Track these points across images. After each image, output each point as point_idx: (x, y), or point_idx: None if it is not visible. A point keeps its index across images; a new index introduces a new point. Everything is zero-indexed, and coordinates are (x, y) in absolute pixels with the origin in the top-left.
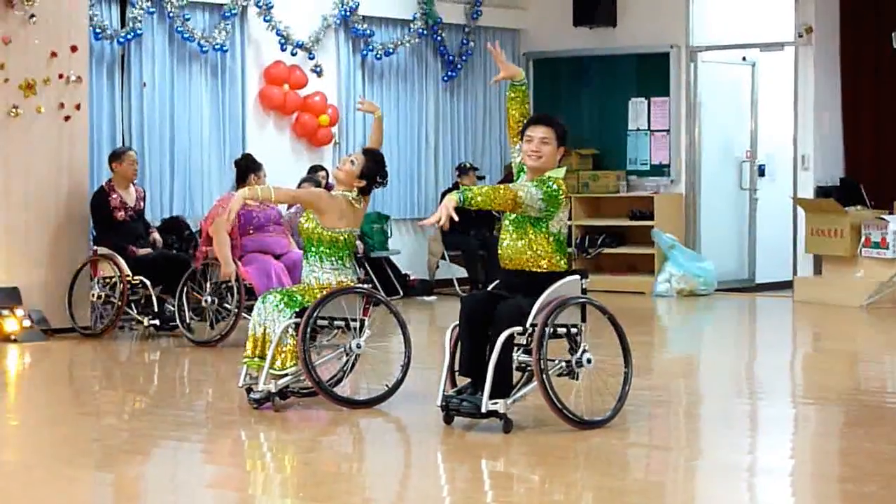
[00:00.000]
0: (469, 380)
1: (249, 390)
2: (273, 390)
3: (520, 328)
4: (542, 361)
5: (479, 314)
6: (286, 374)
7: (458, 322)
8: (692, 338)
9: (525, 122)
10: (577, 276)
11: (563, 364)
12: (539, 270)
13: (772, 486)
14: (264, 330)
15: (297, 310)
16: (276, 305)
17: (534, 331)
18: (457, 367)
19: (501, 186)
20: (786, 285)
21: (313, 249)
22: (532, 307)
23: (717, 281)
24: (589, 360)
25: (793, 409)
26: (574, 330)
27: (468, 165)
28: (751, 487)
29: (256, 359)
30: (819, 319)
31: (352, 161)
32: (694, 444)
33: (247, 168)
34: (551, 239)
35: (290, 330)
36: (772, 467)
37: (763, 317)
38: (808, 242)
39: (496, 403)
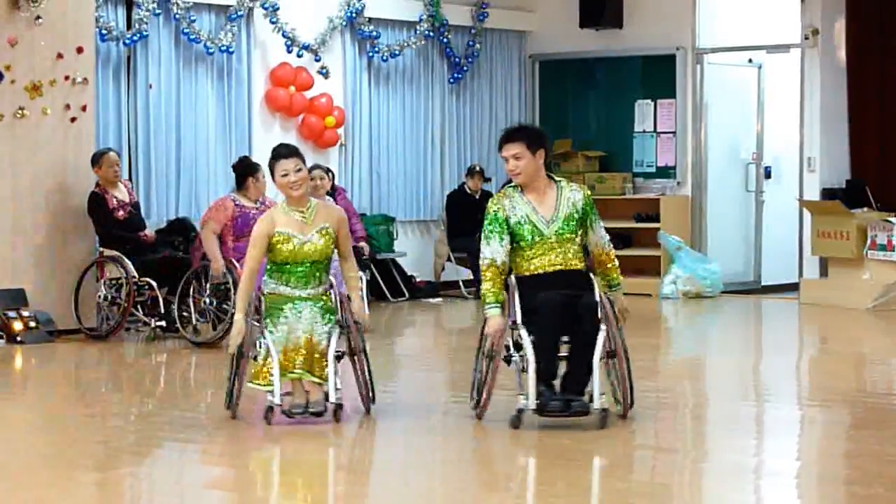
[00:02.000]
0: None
1: (269, 408)
2: (341, 402)
3: (604, 326)
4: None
5: (560, 314)
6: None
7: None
8: (698, 340)
9: (498, 142)
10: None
11: None
12: (578, 268)
13: (778, 488)
14: (311, 337)
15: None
16: (323, 316)
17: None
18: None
19: (612, 255)
20: (792, 287)
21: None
22: (579, 299)
23: (723, 283)
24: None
25: (799, 411)
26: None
27: (476, 167)
28: (757, 490)
29: (297, 371)
30: (825, 322)
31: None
32: (700, 446)
33: (244, 172)
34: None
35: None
36: (778, 469)
37: (769, 319)
38: (814, 245)
39: (603, 399)
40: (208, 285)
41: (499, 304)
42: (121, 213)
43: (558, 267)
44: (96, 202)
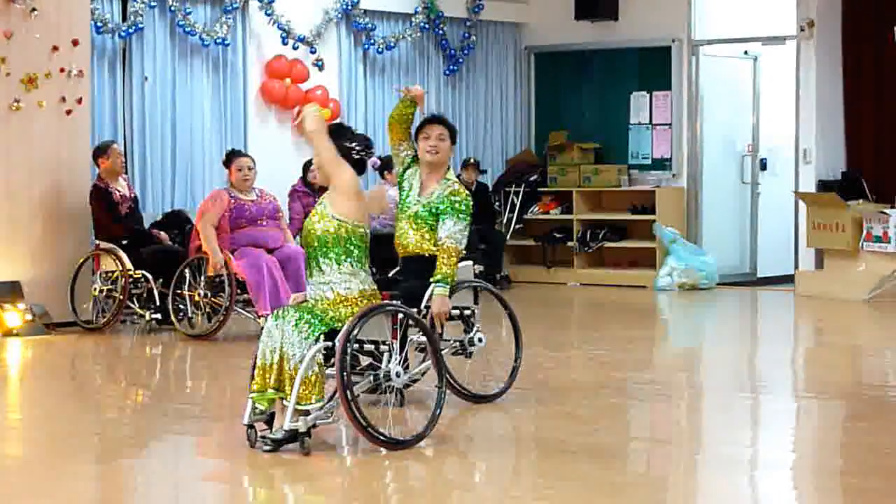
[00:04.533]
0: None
1: (251, 427)
2: (302, 429)
3: (414, 310)
4: (455, 339)
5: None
6: (312, 410)
7: None
8: (693, 332)
9: (420, 122)
10: (470, 262)
11: (457, 343)
12: (432, 254)
13: (773, 479)
14: (281, 356)
15: (325, 331)
16: (297, 326)
17: (428, 312)
18: None
19: (449, 250)
20: (787, 279)
21: (328, 251)
22: (426, 290)
23: (718, 275)
24: (481, 340)
25: (794, 402)
26: (467, 312)
27: (471, 160)
28: (752, 481)
29: (270, 391)
30: (821, 313)
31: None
32: (695, 437)
33: (225, 163)
34: None
35: (319, 356)
36: (773, 461)
37: (765, 311)
38: (810, 236)
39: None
40: (203, 278)
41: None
42: (123, 207)
43: (411, 250)
44: (100, 195)
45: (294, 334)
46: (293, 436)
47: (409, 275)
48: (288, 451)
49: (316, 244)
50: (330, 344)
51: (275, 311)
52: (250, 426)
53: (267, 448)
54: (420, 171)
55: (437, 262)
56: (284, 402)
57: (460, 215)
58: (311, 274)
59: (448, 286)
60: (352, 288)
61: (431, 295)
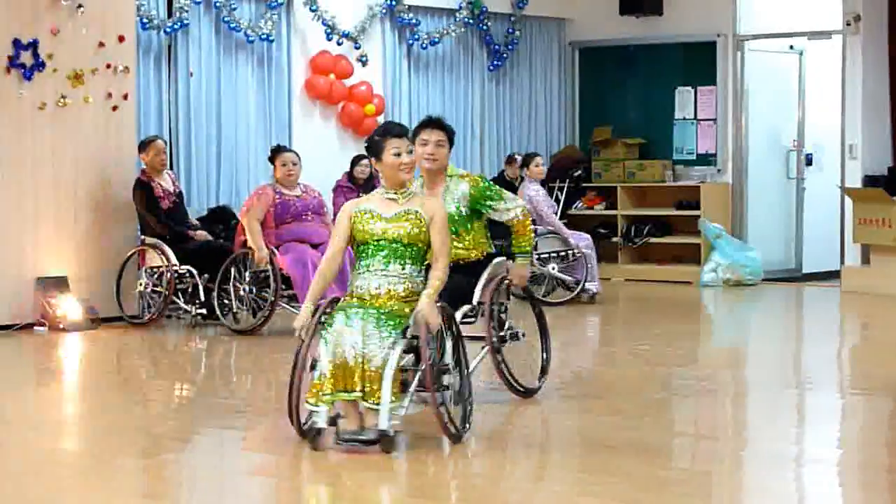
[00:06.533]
0: None
1: (316, 431)
2: (391, 432)
3: (468, 306)
4: (495, 335)
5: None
6: (401, 409)
7: None
8: (739, 328)
9: (417, 125)
10: (503, 258)
11: (496, 339)
12: (474, 259)
13: (819, 476)
14: (363, 357)
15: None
16: (378, 325)
17: (481, 308)
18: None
19: (521, 223)
20: (833, 275)
21: (412, 247)
22: (474, 286)
23: (763, 271)
24: (517, 336)
25: (840, 399)
26: (501, 308)
27: (515, 155)
28: (798, 477)
29: (345, 392)
30: (867, 309)
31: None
32: (741, 433)
33: (270, 158)
34: (484, 229)
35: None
36: (819, 457)
37: (810, 307)
38: (856, 232)
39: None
40: (248, 273)
41: None
42: (165, 202)
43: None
44: (142, 190)
45: (376, 333)
46: (379, 437)
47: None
48: (332, 440)
49: (407, 239)
50: (414, 343)
51: (340, 310)
52: (319, 430)
53: (348, 445)
54: (422, 186)
55: (515, 238)
56: (366, 403)
57: (494, 194)
58: (387, 265)
59: (529, 256)
60: (419, 286)
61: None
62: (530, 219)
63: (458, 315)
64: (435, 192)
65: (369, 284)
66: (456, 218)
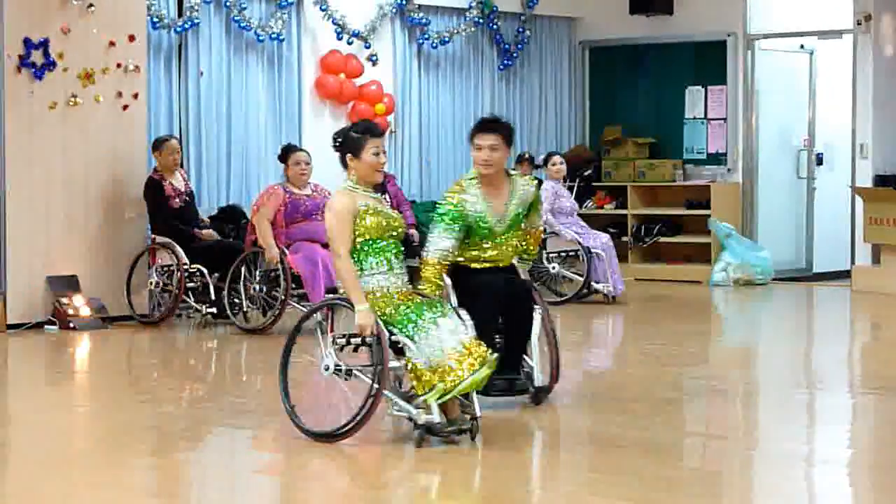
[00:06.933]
0: None
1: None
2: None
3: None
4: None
5: (500, 295)
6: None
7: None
8: (749, 327)
9: (473, 127)
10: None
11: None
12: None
13: (830, 476)
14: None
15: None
16: (448, 310)
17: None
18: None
19: (537, 234)
20: (844, 275)
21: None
22: (504, 283)
23: (774, 270)
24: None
25: (851, 398)
26: None
27: (525, 155)
28: (808, 477)
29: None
30: (877, 309)
31: None
32: (751, 433)
33: (281, 158)
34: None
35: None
36: (830, 457)
37: (821, 306)
38: (867, 231)
39: (540, 375)
40: (258, 272)
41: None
42: (176, 201)
43: (498, 263)
44: (153, 188)
45: (456, 316)
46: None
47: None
48: (343, 444)
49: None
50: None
51: (430, 310)
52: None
53: (447, 440)
54: (479, 185)
55: (528, 245)
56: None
57: (539, 202)
58: (400, 260)
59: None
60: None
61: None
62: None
63: (538, 316)
64: (499, 193)
65: (399, 281)
66: (520, 220)
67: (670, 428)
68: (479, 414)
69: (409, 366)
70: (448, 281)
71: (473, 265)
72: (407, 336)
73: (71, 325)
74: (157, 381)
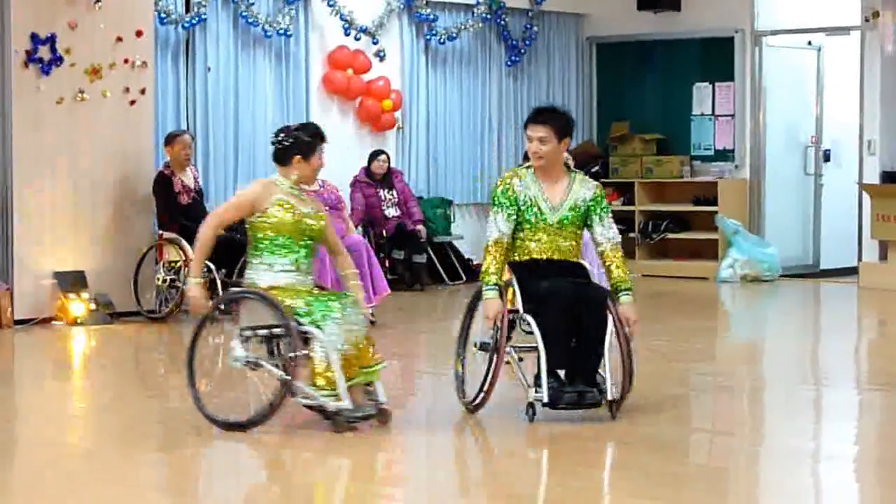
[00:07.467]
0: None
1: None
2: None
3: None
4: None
5: (570, 302)
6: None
7: (534, 311)
8: (756, 324)
9: (528, 115)
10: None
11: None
12: (571, 259)
13: (836, 472)
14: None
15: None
16: (355, 313)
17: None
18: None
19: (618, 253)
20: (851, 271)
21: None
22: (577, 288)
23: (781, 266)
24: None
25: (857, 395)
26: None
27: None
28: (814, 473)
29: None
30: (884, 305)
31: None
32: (757, 429)
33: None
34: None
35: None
36: (836, 453)
37: (827, 303)
38: (874, 228)
39: (615, 389)
40: None
41: (498, 287)
42: (184, 197)
43: (554, 255)
44: (161, 183)
45: (354, 319)
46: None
47: (548, 274)
48: (352, 436)
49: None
50: None
51: (337, 301)
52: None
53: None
54: (532, 176)
55: (612, 268)
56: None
57: (606, 209)
58: (309, 263)
59: (632, 292)
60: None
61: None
62: (621, 252)
63: (611, 324)
64: (555, 186)
65: (307, 279)
66: (572, 219)
67: (677, 424)
68: (382, 401)
69: (311, 356)
70: (516, 287)
71: (523, 256)
72: (315, 325)
73: (78, 320)
74: (163, 377)
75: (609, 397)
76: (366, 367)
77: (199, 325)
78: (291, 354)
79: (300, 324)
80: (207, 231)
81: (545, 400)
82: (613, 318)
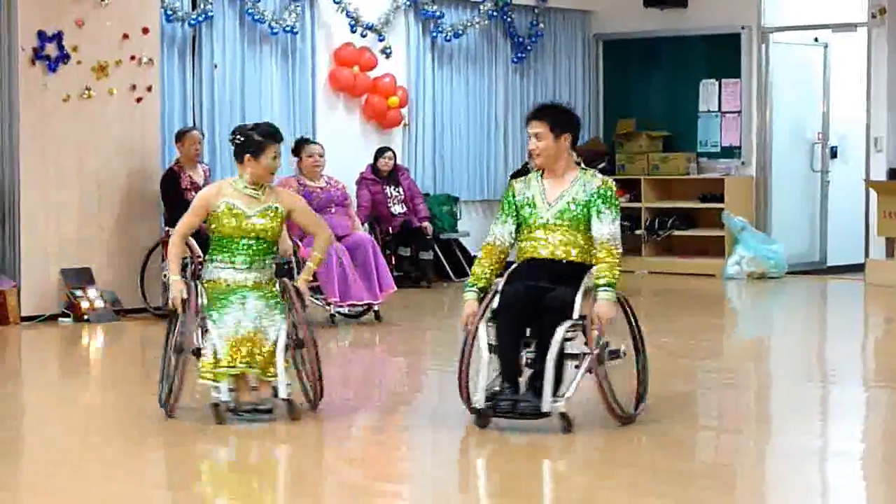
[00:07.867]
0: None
1: (218, 406)
2: (292, 398)
3: (569, 321)
4: (602, 354)
5: (521, 308)
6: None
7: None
8: (762, 321)
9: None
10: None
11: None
12: (575, 260)
13: (842, 469)
14: (255, 331)
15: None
16: (276, 305)
17: (583, 322)
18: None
19: (613, 250)
20: (857, 268)
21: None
22: (573, 297)
23: (787, 264)
24: (618, 353)
25: (864, 392)
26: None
27: None
28: (821, 471)
29: (240, 365)
30: (891, 303)
31: None
32: (764, 427)
33: (294, 151)
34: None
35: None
36: (842, 451)
37: (834, 300)
38: (881, 225)
39: (558, 402)
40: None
41: (476, 287)
42: (191, 194)
43: (553, 253)
44: (170, 179)
45: (275, 311)
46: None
47: (532, 276)
48: (358, 432)
49: (270, 235)
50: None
51: (232, 293)
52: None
53: (247, 419)
54: (538, 177)
55: (602, 267)
56: (261, 376)
57: (611, 203)
58: (252, 260)
59: (613, 290)
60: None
61: (588, 300)
62: (618, 251)
63: (560, 332)
64: (559, 182)
65: (234, 278)
66: (569, 215)
67: (683, 421)
68: (283, 396)
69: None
70: (499, 291)
71: (532, 255)
72: (210, 317)
73: (84, 317)
74: None
75: (545, 409)
76: (266, 374)
77: (170, 321)
78: (192, 349)
79: (203, 318)
80: (174, 238)
81: (479, 406)
82: (566, 328)
